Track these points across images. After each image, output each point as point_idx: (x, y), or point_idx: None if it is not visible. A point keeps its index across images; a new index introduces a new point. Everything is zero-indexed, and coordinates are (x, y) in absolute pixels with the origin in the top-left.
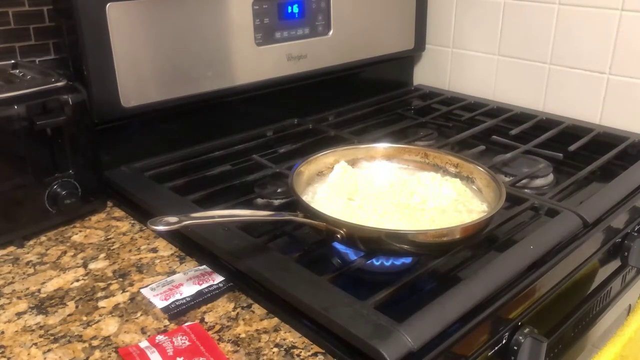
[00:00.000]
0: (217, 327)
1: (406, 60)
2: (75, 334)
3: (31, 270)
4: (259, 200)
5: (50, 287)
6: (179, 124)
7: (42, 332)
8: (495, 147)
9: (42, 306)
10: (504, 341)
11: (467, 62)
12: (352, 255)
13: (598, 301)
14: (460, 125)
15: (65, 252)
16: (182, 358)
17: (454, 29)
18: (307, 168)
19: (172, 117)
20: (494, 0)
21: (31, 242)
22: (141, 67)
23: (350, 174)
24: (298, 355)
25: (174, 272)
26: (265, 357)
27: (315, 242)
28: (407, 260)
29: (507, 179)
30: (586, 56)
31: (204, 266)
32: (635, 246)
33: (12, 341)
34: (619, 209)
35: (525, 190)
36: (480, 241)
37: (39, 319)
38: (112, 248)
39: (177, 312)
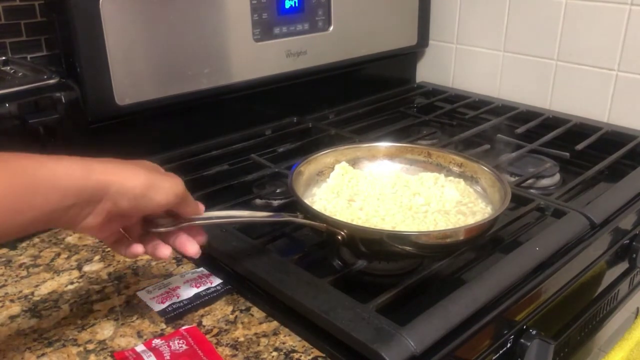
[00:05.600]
0: (215, 331)
1: (409, 57)
2: (70, 337)
3: (24, 273)
4: (258, 201)
5: (44, 289)
6: (175, 122)
7: (35, 335)
8: (500, 146)
9: (35, 309)
10: (508, 345)
11: (471, 59)
12: None
13: (605, 304)
14: (464, 123)
15: (59, 254)
16: None
17: (458, 24)
18: (307, 168)
19: (168, 116)
20: None
21: (24, 244)
22: (136, 63)
23: (351, 174)
24: (298, 359)
25: (170, 275)
26: None
27: (316, 244)
28: None
29: (512, 179)
30: (594, 52)
31: (202, 268)
32: None
33: (5, 345)
34: (627, 209)
35: (531, 191)
36: (484, 243)
37: (33, 322)
38: (107, 250)
39: (174, 316)
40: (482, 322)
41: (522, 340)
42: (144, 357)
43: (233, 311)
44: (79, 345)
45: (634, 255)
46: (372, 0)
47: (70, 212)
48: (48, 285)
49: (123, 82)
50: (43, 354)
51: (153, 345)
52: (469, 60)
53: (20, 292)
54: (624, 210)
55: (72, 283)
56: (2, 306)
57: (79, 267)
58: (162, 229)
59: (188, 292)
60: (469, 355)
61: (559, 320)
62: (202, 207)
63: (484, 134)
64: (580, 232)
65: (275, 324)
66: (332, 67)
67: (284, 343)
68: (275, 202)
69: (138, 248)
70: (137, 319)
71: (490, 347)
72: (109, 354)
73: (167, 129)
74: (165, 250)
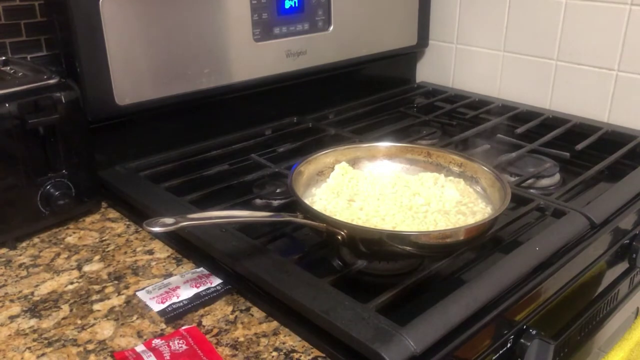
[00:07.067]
0: (215, 331)
1: (409, 57)
2: (70, 337)
3: (24, 273)
4: (258, 201)
5: (43, 289)
6: (175, 122)
7: (35, 335)
8: (500, 146)
9: (35, 309)
10: (508, 345)
11: (471, 59)
12: None
13: (605, 304)
14: (464, 123)
15: (59, 254)
16: None
17: (458, 24)
18: (307, 168)
19: (168, 116)
20: None
21: (24, 244)
22: (136, 63)
23: (351, 174)
24: (298, 359)
25: (170, 275)
26: None
27: (316, 244)
28: None
29: (512, 179)
30: (594, 52)
31: (202, 268)
32: None
33: (5, 345)
34: (627, 209)
35: (531, 191)
36: (484, 243)
37: (33, 322)
38: (107, 250)
39: (174, 316)
40: (482, 322)
41: (522, 340)
42: (144, 357)
43: (233, 311)
44: (79, 345)
45: (634, 255)
46: (372, 0)
47: None
48: (48, 285)
49: (123, 83)
50: (43, 354)
51: (153, 345)
52: (469, 60)
53: (20, 292)
54: (624, 210)
55: (72, 283)
56: (2, 306)
57: (79, 267)
58: (161, 229)
59: (188, 292)
60: (469, 355)
61: (559, 320)
62: None
63: (484, 134)
64: (580, 232)
65: (275, 324)
66: (332, 67)
67: (284, 343)
68: (275, 202)
69: None
70: (137, 319)
71: (490, 347)
72: (109, 354)
73: (167, 128)
74: None
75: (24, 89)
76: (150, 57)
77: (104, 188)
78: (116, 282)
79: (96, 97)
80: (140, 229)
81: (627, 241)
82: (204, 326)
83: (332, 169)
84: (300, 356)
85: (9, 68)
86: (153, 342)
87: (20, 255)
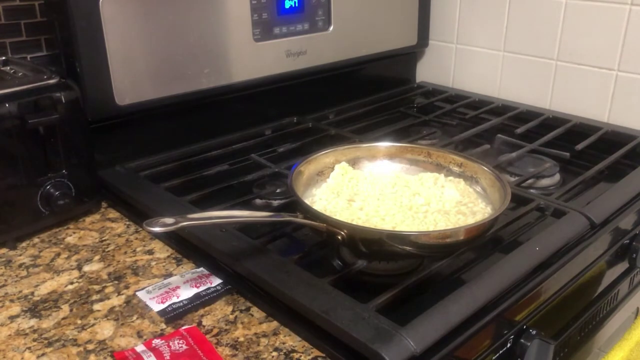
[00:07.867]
0: (215, 331)
1: (409, 57)
2: (70, 337)
3: (24, 273)
4: (258, 201)
5: (43, 289)
6: (175, 122)
7: (35, 335)
8: (500, 146)
9: (35, 309)
10: (508, 345)
11: (471, 59)
12: None
13: (605, 304)
14: (464, 123)
15: (59, 254)
16: None
17: (458, 24)
18: (307, 168)
19: (168, 116)
20: None
21: (24, 244)
22: (136, 63)
23: (351, 174)
24: (298, 359)
25: (170, 275)
26: None
27: (316, 244)
28: None
29: (512, 179)
30: (594, 52)
31: (202, 268)
32: None
33: (5, 345)
34: (627, 209)
35: (531, 191)
36: (484, 243)
37: (33, 322)
38: (107, 250)
39: (174, 316)
40: (482, 322)
41: (522, 340)
42: (144, 357)
43: (233, 311)
44: (79, 345)
45: (634, 255)
46: (372, 0)
47: None
48: (48, 285)
49: (123, 82)
50: (43, 354)
51: (153, 345)
52: (469, 60)
53: (20, 292)
54: (624, 210)
55: (72, 283)
56: (2, 306)
57: (79, 267)
58: (161, 229)
59: (188, 292)
60: (469, 355)
61: (559, 320)
62: None
63: (484, 134)
64: (580, 232)
65: (275, 324)
66: (332, 67)
67: (284, 343)
68: (275, 202)
69: None
70: (137, 319)
71: (490, 347)
72: (109, 354)
73: (167, 128)
74: None
75: (24, 89)
76: (150, 57)
77: (104, 188)
78: (116, 282)
79: (96, 97)
80: (140, 229)
81: (627, 241)
82: (204, 326)
83: (332, 169)
84: (300, 356)
85: (9, 68)
86: (153, 342)
87: (20, 255)
